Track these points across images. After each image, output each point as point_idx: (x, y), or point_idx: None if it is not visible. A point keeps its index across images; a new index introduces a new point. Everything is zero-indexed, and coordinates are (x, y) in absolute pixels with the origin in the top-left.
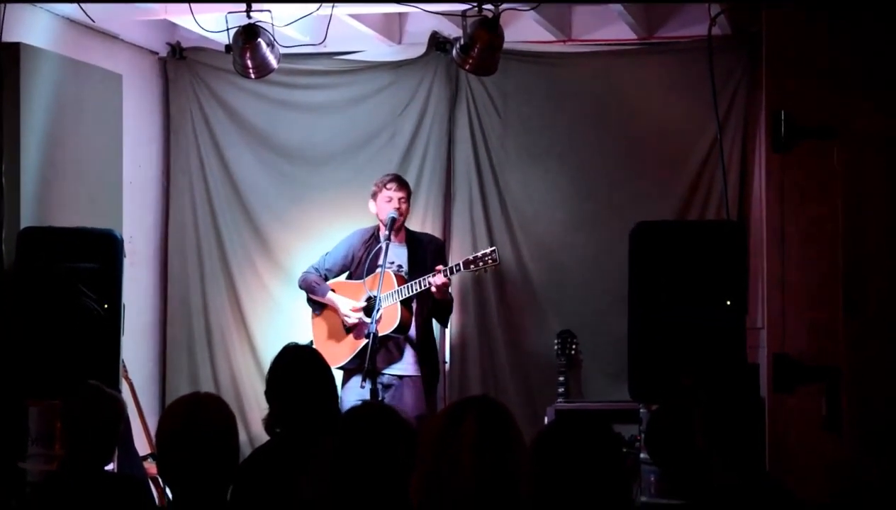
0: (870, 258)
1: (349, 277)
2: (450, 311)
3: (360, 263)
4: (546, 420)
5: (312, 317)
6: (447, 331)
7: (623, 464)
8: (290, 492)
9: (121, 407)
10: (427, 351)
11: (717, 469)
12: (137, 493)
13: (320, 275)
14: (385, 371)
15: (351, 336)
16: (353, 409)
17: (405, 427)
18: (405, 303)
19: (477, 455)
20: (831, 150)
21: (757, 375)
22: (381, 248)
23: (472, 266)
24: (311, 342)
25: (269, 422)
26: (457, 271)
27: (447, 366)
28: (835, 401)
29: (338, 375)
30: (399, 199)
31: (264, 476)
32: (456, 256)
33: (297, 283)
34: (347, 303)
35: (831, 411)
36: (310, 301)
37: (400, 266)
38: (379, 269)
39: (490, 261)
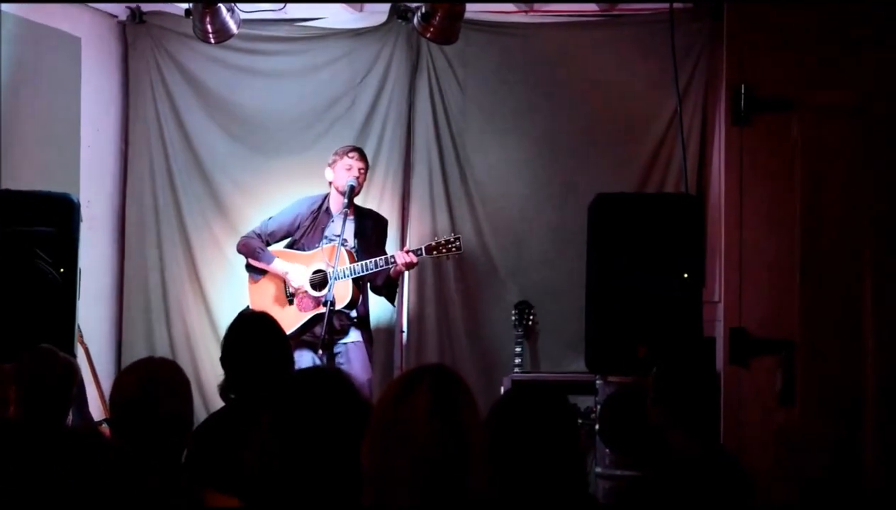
0: (827, 232)
1: (290, 245)
2: (397, 289)
3: (307, 232)
4: (502, 390)
5: (249, 283)
6: (405, 300)
7: (577, 435)
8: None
9: (74, 370)
10: (365, 316)
11: (672, 441)
12: (95, 444)
13: (262, 241)
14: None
15: (294, 307)
16: (300, 372)
17: (354, 390)
18: (356, 281)
19: (430, 422)
20: (790, 123)
21: (713, 348)
22: (332, 219)
23: (434, 252)
24: (247, 308)
25: (223, 388)
26: (418, 255)
27: (404, 336)
28: (789, 375)
29: None
30: (359, 169)
31: (217, 442)
32: (415, 228)
33: (236, 247)
34: (297, 270)
35: (786, 385)
36: (248, 267)
37: (345, 240)
38: (332, 240)
39: (454, 248)
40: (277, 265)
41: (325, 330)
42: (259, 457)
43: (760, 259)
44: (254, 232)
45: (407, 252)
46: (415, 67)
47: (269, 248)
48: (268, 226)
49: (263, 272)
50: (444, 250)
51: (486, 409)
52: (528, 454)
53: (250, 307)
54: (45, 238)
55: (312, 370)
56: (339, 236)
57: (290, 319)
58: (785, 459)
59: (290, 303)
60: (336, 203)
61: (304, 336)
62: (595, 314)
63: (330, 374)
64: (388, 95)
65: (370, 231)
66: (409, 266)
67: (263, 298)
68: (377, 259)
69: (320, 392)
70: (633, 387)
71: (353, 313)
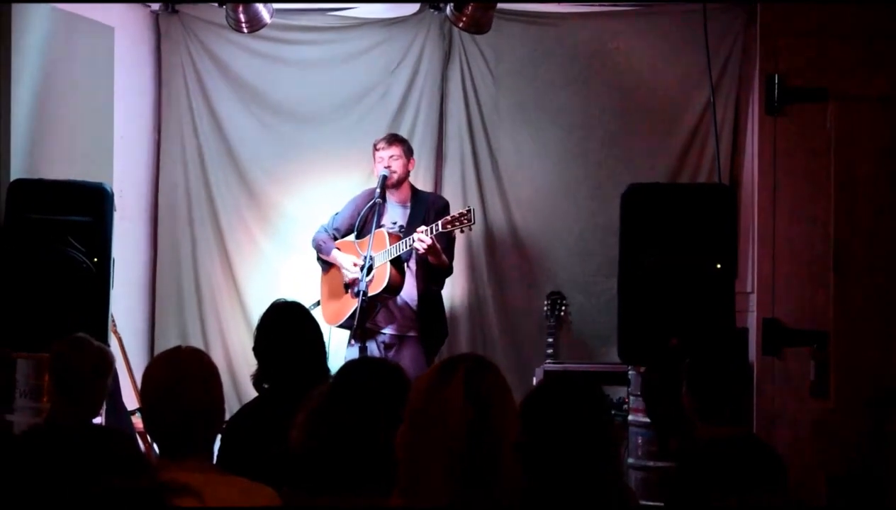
0: (862, 222)
1: (358, 237)
2: (444, 275)
3: (366, 222)
4: (535, 381)
5: (321, 276)
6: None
7: (611, 425)
8: (278, 448)
9: (109, 359)
10: (427, 314)
11: (703, 429)
12: (122, 446)
13: (329, 235)
14: (384, 330)
15: (349, 295)
16: (350, 362)
17: (400, 382)
18: (397, 264)
19: (464, 411)
20: (823, 112)
21: (745, 339)
22: (373, 206)
23: (448, 226)
24: (318, 302)
25: (257, 378)
26: (433, 233)
27: None
28: (822, 366)
29: (344, 334)
30: (389, 158)
31: (252, 431)
32: None
33: (311, 244)
34: (349, 259)
35: (819, 376)
36: (319, 261)
37: (401, 226)
38: (384, 227)
39: (465, 220)
40: (334, 254)
41: (357, 319)
42: (304, 439)
43: (793, 249)
44: (322, 227)
45: (418, 230)
46: (447, 57)
47: (336, 242)
48: (334, 221)
49: (331, 265)
50: (457, 224)
51: (519, 400)
52: (562, 444)
53: (320, 300)
54: (79, 227)
55: (371, 360)
56: (374, 224)
57: (346, 306)
58: (818, 450)
59: (346, 291)
60: (389, 192)
61: (367, 324)
62: (627, 304)
63: (387, 367)
64: (420, 85)
65: (424, 213)
66: (428, 249)
67: (328, 289)
68: (404, 240)
69: (374, 382)
70: (669, 365)
71: (400, 301)
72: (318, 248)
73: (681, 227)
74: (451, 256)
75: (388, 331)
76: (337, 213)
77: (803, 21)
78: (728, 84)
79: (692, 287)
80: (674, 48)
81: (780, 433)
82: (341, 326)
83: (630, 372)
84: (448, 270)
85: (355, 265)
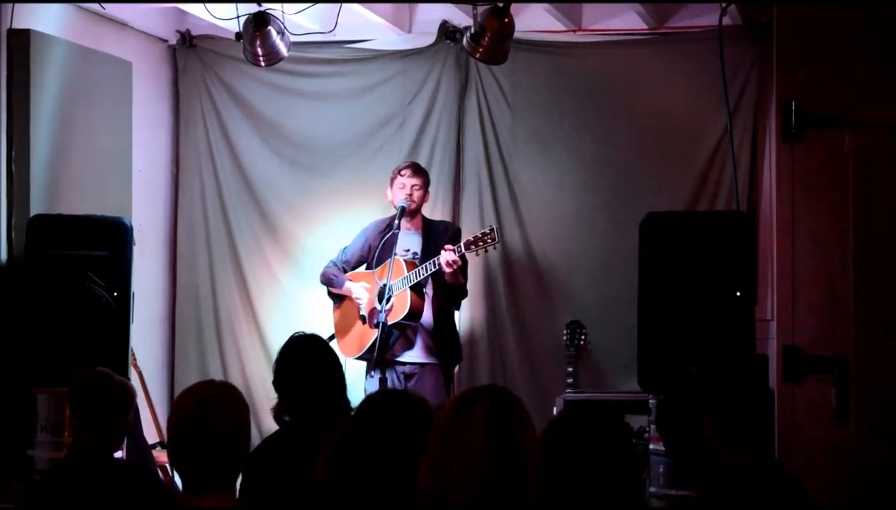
0: (880, 248)
1: (367, 269)
2: (462, 296)
3: (376, 253)
4: (555, 410)
5: (333, 310)
6: (457, 321)
7: (633, 455)
8: (300, 481)
9: (131, 394)
10: (443, 337)
11: (724, 457)
12: (146, 482)
13: (338, 269)
14: (401, 358)
15: (366, 326)
16: (373, 394)
17: (424, 414)
18: (416, 290)
19: (486, 442)
20: (842, 139)
21: (765, 366)
22: (393, 236)
23: (472, 247)
24: (332, 336)
25: (277, 411)
26: (458, 253)
27: None
28: (844, 394)
29: (360, 366)
30: (412, 187)
31: (274, 465)
32: None
33: (319, 279)
34: (360, 286)
35: (840, 403)
36: (330, 294)
37: (415, 254)
38: (399, 255)
39: (490, 240)
40: (346, 286)
41: (378, 349)
42: (329, 471)
43: (813, 276)
44: (331, 261)
45: (447, 250)
46: (464, 88)
47: (347, 274)
48: (343, 254)
49: (343, 298)
50: (481, 243)
51: (541, 430)
52: (584, 474)
53: (334, 333)
54: (98, 262)
55: (394, 393)
56: (393, 253)
57: (364, 338)
58: (841, 478)
59: (364, 321)
60: (403, 221)
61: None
62: (647, 333)
63: (411, 400)
64: (437, 116)
65: (438, 241)
66: (451, 266)
67: (343, 321)
68: (427, 263)
69: (398, 415)
70: (688, 394)
71: (425, 325)
72: (329, 282)
73: (699, 255)
74: (465, 278)
75: (407, 359)
76: (346, 247)
77: (820, 47)
78: (745, 111)
79: (712, 315)
80: (690, 76)
81: (802, 460)
82: (359, 358)
83: (651, 400)
84: (464, 292)
85: (365, 289)
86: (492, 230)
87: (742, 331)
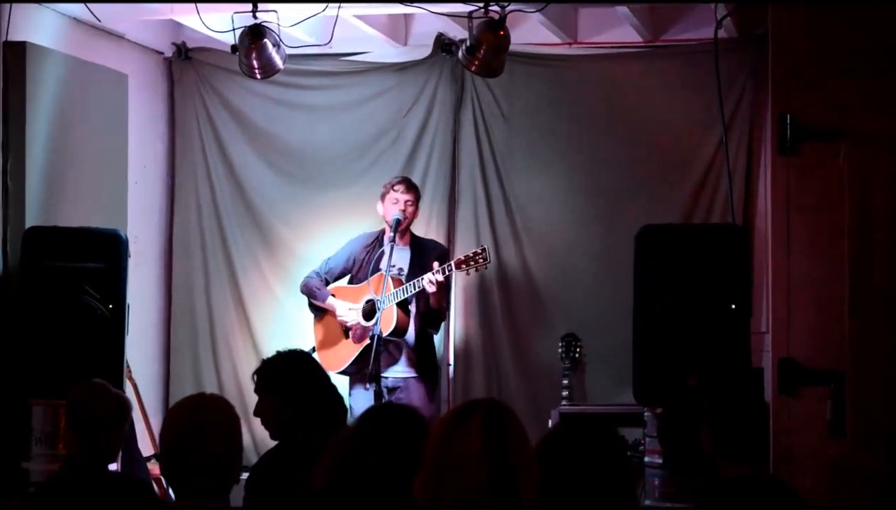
0: (876, 261)
1: (350, 281)
2: (441, 320)
3: (362, 267)
4: (550, 423)
5: (314, 323)
6: (451, 333)
7: (628, 468)
8: (299, 494)
9: (127, 406)
10: (423, 353)
11: (723, 469)
12: (141, 494)
13: (321, 280)
14: (386, 373)
15: (349, 340)
16: (372, 408)
17: (420, 427)
18: (402, 306)
19: (482, 456)
20: (837, 152)
21: (761, 379)
22: (383, 251)
23: (463, 265)
24: (314, 348)
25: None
26: (448, 272)
27: (451, 369)
28: (839, 406)
29: (343, 381)
30: (405, 202)
31: (275, 478)
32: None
33: (299, 288)
34: (344, 305)
35: (836, 416)
36: (311, 306)
37: (400, 269)
38: (382, 272)
39: (481, 260)
40: (329, 301)
41: (372, 362)
42: (328, 483)
43: (808, 289)
44: (314, 271)
45: (433, 271)
46: (459, 100)
47: (329, 286)
48: (326, 265)
49: (325, 311)
50: (472, 263)
51: (536, 442)
52: (579, 487)
53: (315, 347)
54: (93, 274)
55: (392, 406)
56: (385, 267)
57: (347, 352)
58: (837, 490)
59: (347, 336)
60: (389, 236)
61: (364, 368)
62: (642, 346)
63: (408, 413)
64: (432, 128)
65: (426, 259)
66: (435, 286)
67: (324, 335)
68: (414, 281)
69: (397, 428)
70: (686, 407)
71: (408, 341)
72: (311, 294)
73: (695, 268)
74: (448, 302)
75: (392, 374)
76: (329, 258)
77: (815, 60)
78: (740, 123)
79: (707, 327)
80: (685, 88)
81: (798, 473)
82: (342, 373)
83: (646, 413)
84: (443, 315)
85: (350, 310)
86: (483, 250)
87: (737, 343)
